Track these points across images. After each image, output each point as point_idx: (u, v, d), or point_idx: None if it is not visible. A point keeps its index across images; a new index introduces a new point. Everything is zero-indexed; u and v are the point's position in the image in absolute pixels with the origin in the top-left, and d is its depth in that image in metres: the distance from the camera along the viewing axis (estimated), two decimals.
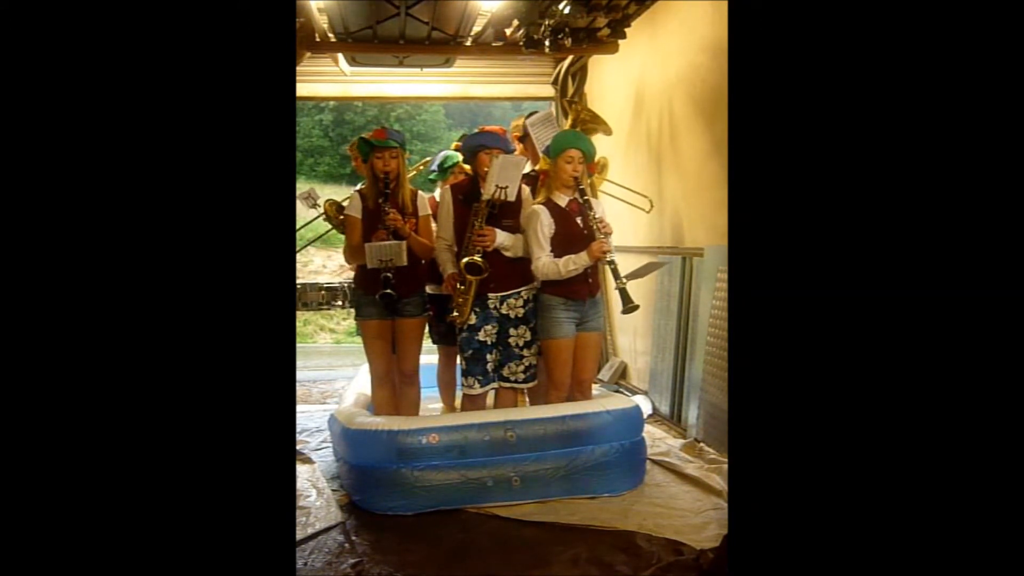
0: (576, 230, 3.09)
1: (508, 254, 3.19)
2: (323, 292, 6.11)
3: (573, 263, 3.01)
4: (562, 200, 3.14)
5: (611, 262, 3.03)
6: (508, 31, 4.57)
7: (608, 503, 2.83)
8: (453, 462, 2.80)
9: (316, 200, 4.31)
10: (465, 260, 3.11)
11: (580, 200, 3.11)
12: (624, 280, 3.03)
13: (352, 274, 3.56)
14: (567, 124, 4.25)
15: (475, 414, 3.06)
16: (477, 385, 3.22)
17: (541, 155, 3.49)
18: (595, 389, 3.52)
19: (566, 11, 3.81)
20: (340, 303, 6.08)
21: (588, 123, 4.27)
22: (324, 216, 4.07)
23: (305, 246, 5.23)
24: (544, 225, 3.07)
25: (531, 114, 3.79)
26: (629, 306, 2.99)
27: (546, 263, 3.05)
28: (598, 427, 2.95)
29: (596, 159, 3.70)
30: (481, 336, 3.20)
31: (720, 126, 3.46)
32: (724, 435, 3.24)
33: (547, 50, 4.19)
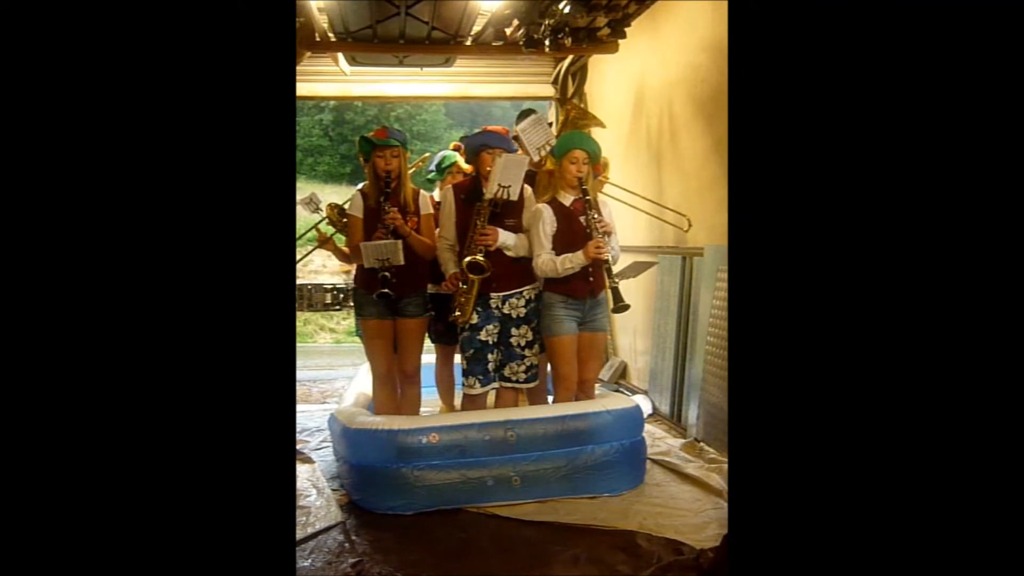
0: (578, 229, 3.11)
1: (510, 254, 3.19)
2: (332, 294, 6.09)
3: (570, 261, 3.04)
4: (567, 200, 3.16)
5: (606, 261, 3.05)
6: (508, 31, 4.57)
7: (608, 503, 2.83)
8: (453, 462, 2.80)
9: (318, 204, 4.30)
10: (467, 259, 3.11)
11: (584, 200, 3.12)
12: (616, 280, 3.05)
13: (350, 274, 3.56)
14: (559, 125, 4.23)
15: (475, 414, 3.06)
16: (478, 385, 3.21)
17: (539, 157, 3.48)
18: (596, 389, 3.52)
19: (566, 11, 3.81)
20: (352, 304, 6.06)
21: (580, 120, 4.26)
22: (327, 220, 4.07)
23: (312, 249, 5.20)
24: (546, 223, 3.10)
25: (521, 115, 3.75)
26: (619, 305, 3.02)
27: (545, 260, 3.09)
28: (598, 427, 2.96)
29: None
30: (483, 336, 3.19)
31: (720, 126, 3.46)
32: (724, 435, 3.24)
33: (547, 50, 4.19)
